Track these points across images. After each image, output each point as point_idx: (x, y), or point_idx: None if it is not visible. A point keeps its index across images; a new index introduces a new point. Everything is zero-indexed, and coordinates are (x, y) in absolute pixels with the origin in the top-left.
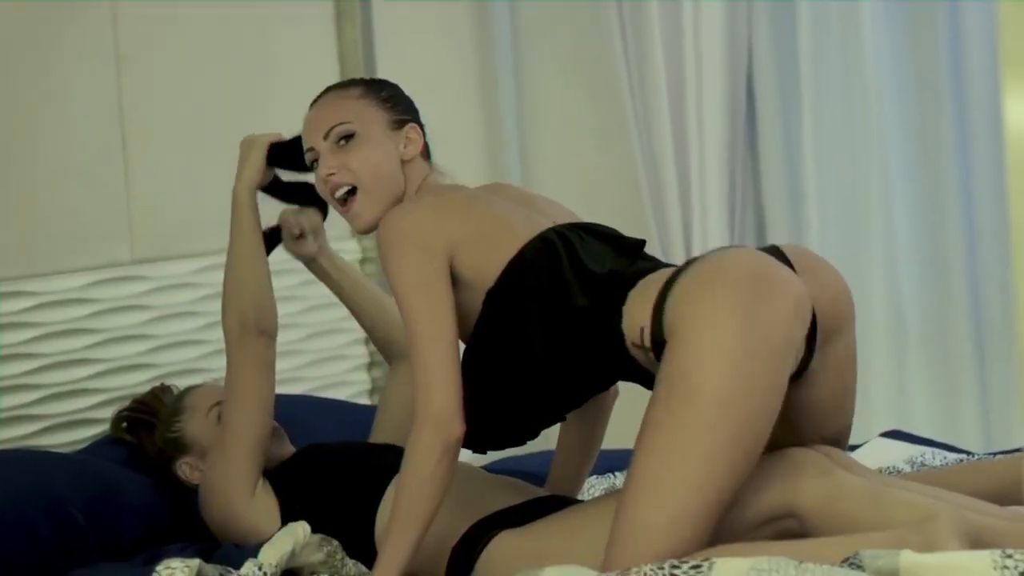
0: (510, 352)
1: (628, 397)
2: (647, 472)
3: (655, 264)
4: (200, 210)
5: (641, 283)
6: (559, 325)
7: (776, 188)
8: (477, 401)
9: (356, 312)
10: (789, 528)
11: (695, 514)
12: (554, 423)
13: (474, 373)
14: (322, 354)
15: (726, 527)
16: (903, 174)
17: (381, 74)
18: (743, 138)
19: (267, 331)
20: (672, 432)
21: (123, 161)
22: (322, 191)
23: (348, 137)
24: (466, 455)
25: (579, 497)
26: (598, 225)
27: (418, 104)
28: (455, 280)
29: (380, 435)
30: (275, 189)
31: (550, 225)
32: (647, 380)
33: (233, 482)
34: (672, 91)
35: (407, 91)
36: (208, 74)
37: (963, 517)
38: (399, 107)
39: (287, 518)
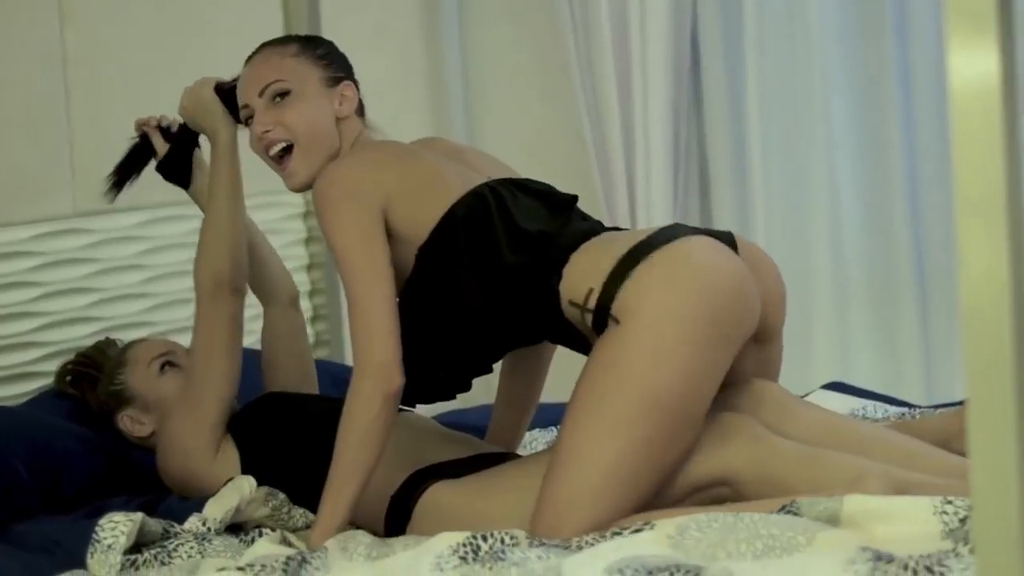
0: (439, 307)
1: (570, 352)
2: (575, 442)
3: (590, 223)
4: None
5: (588, 245)
6: (488, 281)
7: (720, 139)
8: (407, 354)
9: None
10: (722, 495)
11: (619, 485)
12: (479, 375)
13: (404, 327)
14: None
15: (658, 496)
16: (846, 126)
17: (326, 27)
18: (687, 90)
19: (240, 289)
20: (606, 409)
21: (66, 113)
22: (256, 148)
23: (283, 95)
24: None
25: (520, 450)
26: (531, 181)
27: (363, 57)
28: (388, 234)
29: (273, 381)
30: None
31: (483, 180)
32: (574, 340)
33: (198, 439)
34: (617, 42)
35: (353, 43)
36: (152, 26)
37: (890, 476)
38: (334, 65)
39: (248, 469)
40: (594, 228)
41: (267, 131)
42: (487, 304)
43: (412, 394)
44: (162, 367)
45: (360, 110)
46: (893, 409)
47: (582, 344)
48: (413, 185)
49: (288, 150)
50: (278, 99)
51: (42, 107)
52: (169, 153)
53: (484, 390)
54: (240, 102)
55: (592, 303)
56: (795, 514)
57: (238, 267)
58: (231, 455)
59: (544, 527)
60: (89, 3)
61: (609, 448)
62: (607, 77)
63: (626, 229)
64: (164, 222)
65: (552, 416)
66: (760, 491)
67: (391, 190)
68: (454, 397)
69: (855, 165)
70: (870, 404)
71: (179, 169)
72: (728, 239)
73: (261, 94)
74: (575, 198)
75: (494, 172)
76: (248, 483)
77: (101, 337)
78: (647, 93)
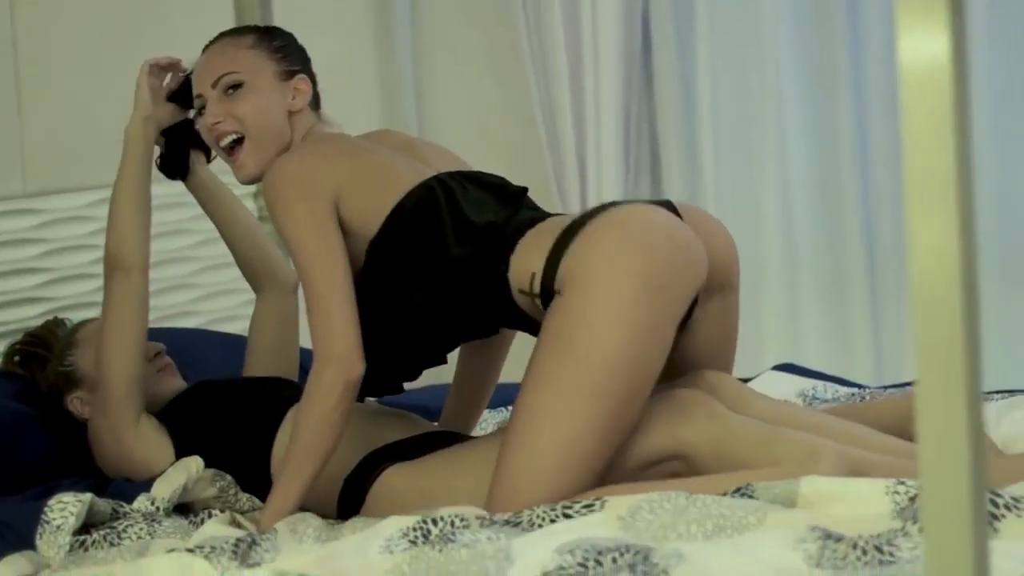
0: (391, 301)
1: (522, 334)
2: (528, 419)
3: (540, 213)
4: (94, 143)
5: (531, 232)
6: (437, 275)
7: (671, 121)
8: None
9: (227, 231)
10: (676, 470)
11: (574, 461)
12: (432, 366)
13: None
14: (215, 288)
15: (612, 469)
16: (797, 108)
17: (276, 11)
18: (638, 71)
19: (126, 266)
20: (554, 381)
21: (16, 93)
22: (207, 138)
23: (236, 87)
24: None
25: (472, 433)
26: (482, 173)
27: (314, 38)
28: (340, 228)
29: (255, 368)
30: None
31: (433, 173)
32: (531, 327)
33: (117, 420)
34: (568, 24)
35: (304, 25)
36: (103, 7)
37: (845, 454)
38: (290, 57)
39: (181, 454)
40: (539, 216)
41: (218, 122)
42: (436, 298)
43: (363, 387)
44: None
45: (315, 103)
46: (844, 390)
47: (535, 328)
48: (364, 178)
49: (239, 142)
50: (231, 91)
51: None
52: (166, 148)
53: (432, 370)
54: (194, 91)
55: (536, 287)
56: (750, 496)
57: (123, 244)
58: (163, 440)
59: (501, 503)
60: None
61: (562, 421)
62: (558, 58)
63: (569, 215)
64: None
65: (502, 397)
66: (715, 467)
67: (342, 183)
68: (403, 390)
69: (806, 147)
70: (820, 384)
71: (177, 163)
72: (667, 205)
73: (214, 85)
74: (525, 189)
75: (445, 165)
76: (196, 463)
77: (50, 317)
78: (598, 74)
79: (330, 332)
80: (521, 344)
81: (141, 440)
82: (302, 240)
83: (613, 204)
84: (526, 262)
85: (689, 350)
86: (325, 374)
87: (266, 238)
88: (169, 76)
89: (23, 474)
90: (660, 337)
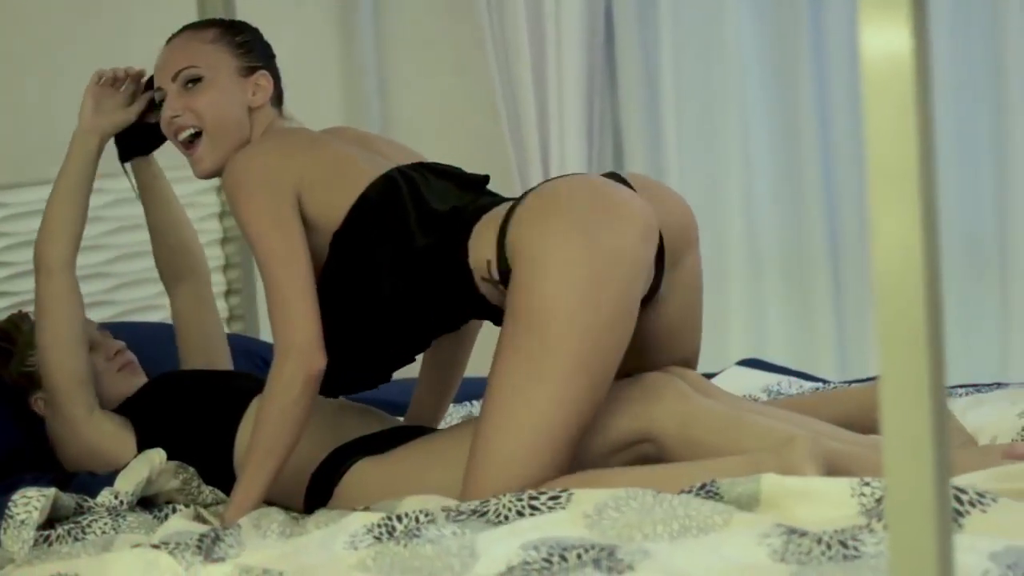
0: (358, 294)
1: (488, 325)
2: (500, 402)
3: (498, 199)
4: (55, 136)
5: (485, 216)
6: (404, 266)
7: (634, 111)
8: (328, 346)
9: (155, 225)
10: (645, 453)
11: (548, 441)
12: (404, 365)
13: (323, 317)
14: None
15: (581, 452)
16: (760, 99)
17: (239, 2)
18: (601, 61)
19: (48, 265)
20: (521, 362)
21: None
22: (166, 131)
23: (195, 80)
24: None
25: (439, 427)
26: (440, 164)
27: (276, 35)
28: (303, 222)
29: (192, 362)
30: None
31: (393, 166)
32: (496, 316)
33: (67, 414)
34: (530, 14)
35: (266, 16)
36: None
37: (819, 442)
38: (252, 53)
39: (144, 447)
40: (497, 201)
41: (176, 116)
42: (404, 289)
43: (334, 385)
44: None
45: (278, 100)
46: (808, 385)
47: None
48: (325, 172)
49: (197, 136)
50: (190, 85)
51: None
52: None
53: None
54: (155, 83)
55: (495, 273)
56: (715, 494)
57: (44, 243)
58: (125, 434)
59: (477, 484)
60: None
61: (533, 398)
62: (521, 49)
63: None
64: None
65: (466, 390)
66: (684, 451)
67: (303, 176)
68: (376, 386)
69: (769, 137)
70: (784, 380)
71: (142, 137)
72: (615, 177)
73: (174, 79)
74: (486, 177)
75: (402, 158)
76: (159, 455)
77: (14, 311)
78: (561, 65)
79: (290, 325)
80: (487, 336)
81: (96, 433)
82: (260, 236)
83: (557, 178)
84: (482, 248)
85: (655, 328)
86: (286, 367)
87: (193, 231)
88: (125, 85)
89: None
90: (620, 298)
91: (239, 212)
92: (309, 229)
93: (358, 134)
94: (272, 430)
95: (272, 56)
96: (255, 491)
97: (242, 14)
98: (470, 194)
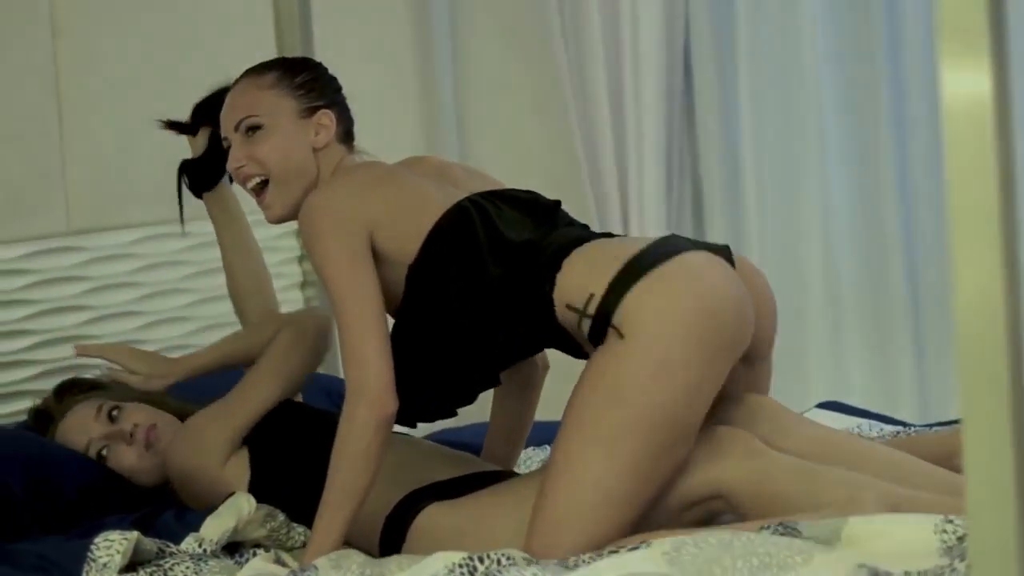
0: (435, 325)
1: (563, 372)
2: (570, 459)
3: (577, 229)
4: (137, 180)
5: (581, 250)
6: (478, 296)
7: (713, 155)
8: (406, 375)
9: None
10: (716, 509)
11: (615, 502)
12: (483, 389)
13: (402, 347)
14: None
15: (653, 509)
16: (839, 146)
17: (318, 44)
18: (679, 105)
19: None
20: (600, 424)
21: (59, 130)
22: (236, 181)
23: (255, 128)
24: (399, 429)
25: (516, 468)
26: (514, 190)
27: (355, 72)
28: (377, 257)
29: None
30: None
31: (465, 195)
32: (570, 346)
33: (217, 439)
34: (609, 57)
35: (345, 58)
36: (144, 42)
37: (887, 493)
38: (313, 92)
39: (259, 482)
40: (583, 235)
41: (241, 166)
42: (477, 318)
43: (413, 414)
44: (99, 454)
45: (345, 135)
46: (888, 428)
47: (575, 348)
48: (398, 205)
49: (264, 184)
50: (251, 133)
51: (34, 123)
52: (203, 156)
53: (477, 408)
54: (222, 132)
55: (592, 309)
56: (794, 530)
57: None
58: (242, 469)
59: (538, 547)
60: (81, 16)
61: (603, 466)
62: (599, 92)
63: (617, 235)
64: (157, 240)
65: (547, 434)
66: (755, 506)
67: (376, 213)
68: (455, 414)
69: (848, 183)
70: (865, 423)
71: (209, 172)
72: (726, 253)
73: (236, 128)
74: (558, 203)
75: (476, 185)
76: (247, 501)
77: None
78: (639, 109)
79: (363, 370)
80: (559, 382)
81: (226, 470)
82: (335, 278)
83: (678, 242)
84: (582, 281)
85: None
86: (358, 412)
87: (268, 276)
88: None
89: (68, 511)
90: (708, 392)
91: (313, 255)
92: (385, 263)
93: (437, 163)
94: (346, 474)
95: (338, 90)
96: (333, 534)
97: (320, 55)
98: (545, 225)
